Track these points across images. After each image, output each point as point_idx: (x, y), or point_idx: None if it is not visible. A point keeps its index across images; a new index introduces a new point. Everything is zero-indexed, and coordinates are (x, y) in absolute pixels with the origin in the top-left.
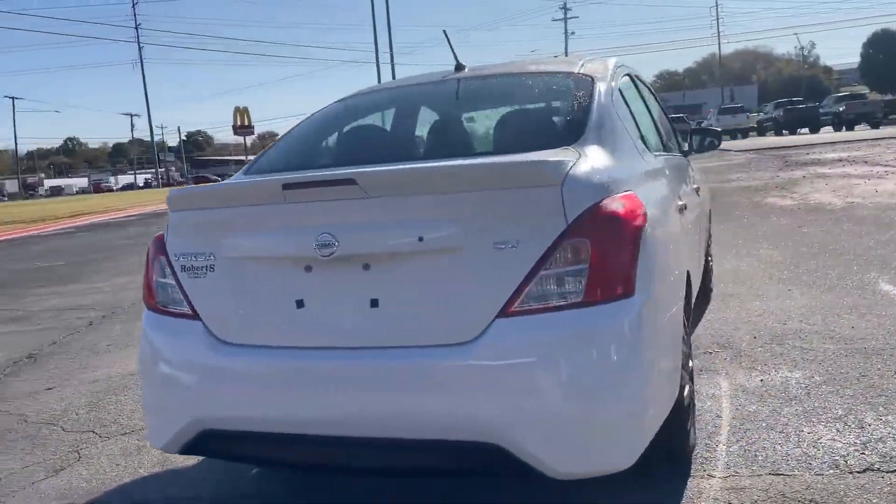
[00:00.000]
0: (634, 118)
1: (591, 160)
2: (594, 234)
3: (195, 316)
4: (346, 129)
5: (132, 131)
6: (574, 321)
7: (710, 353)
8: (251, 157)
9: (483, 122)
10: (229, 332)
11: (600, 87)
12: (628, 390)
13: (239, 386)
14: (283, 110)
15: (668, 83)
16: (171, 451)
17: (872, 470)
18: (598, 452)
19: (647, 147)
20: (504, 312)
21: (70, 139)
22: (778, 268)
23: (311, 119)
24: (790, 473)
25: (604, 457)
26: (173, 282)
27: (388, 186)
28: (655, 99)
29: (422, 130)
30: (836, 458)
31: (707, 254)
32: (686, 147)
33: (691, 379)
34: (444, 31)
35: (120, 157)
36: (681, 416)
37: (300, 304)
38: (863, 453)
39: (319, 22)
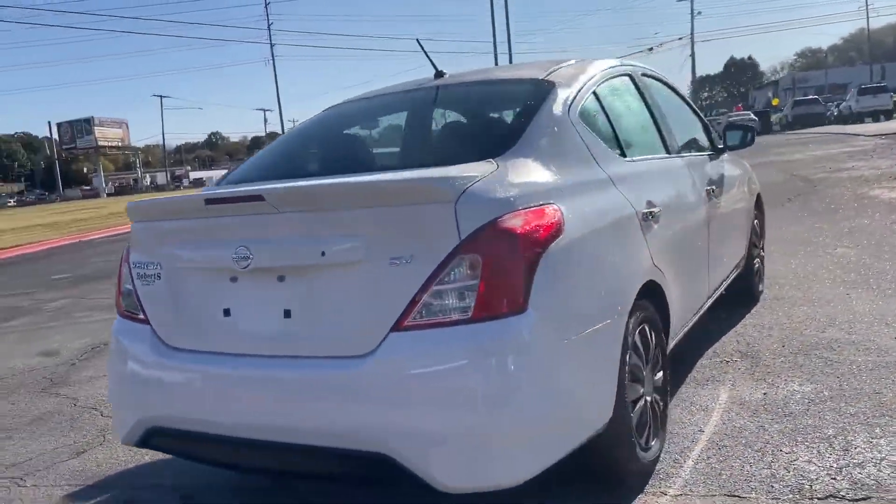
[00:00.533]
0: (613, 123)
1: (506, 174)
2: (486, 250)
3: (146, 321)
4: (307, 141)
5: (265, 125)
6: (461, 337)
7: (727, 361)
8: None
9: (424, 134)
10: (172, 337)
11: (557, 95)
12: (513, 408)
13: (176, 387)
14: None
15: (810, 62)
16: (129, 444)
17: (836, 497)
18: (482, 469)
19: (626, 152)
20: (398, 327)
21: (213, 134)
22: (846, 269)
23: (293, 129)
24: (745, 496)
25: (488, 473)
26: (132, 288)
27: (293, 203)
28: (682, 98)
29: (366, 144)
30: (803, 482)
31: (749, 255)
32: (721, 144)
33: (660, 391)
34: (418, 40)
35: (257, 149)
36: (622, 433)
37: (227, 312)
38: (834, 478)
39: (442, 14)
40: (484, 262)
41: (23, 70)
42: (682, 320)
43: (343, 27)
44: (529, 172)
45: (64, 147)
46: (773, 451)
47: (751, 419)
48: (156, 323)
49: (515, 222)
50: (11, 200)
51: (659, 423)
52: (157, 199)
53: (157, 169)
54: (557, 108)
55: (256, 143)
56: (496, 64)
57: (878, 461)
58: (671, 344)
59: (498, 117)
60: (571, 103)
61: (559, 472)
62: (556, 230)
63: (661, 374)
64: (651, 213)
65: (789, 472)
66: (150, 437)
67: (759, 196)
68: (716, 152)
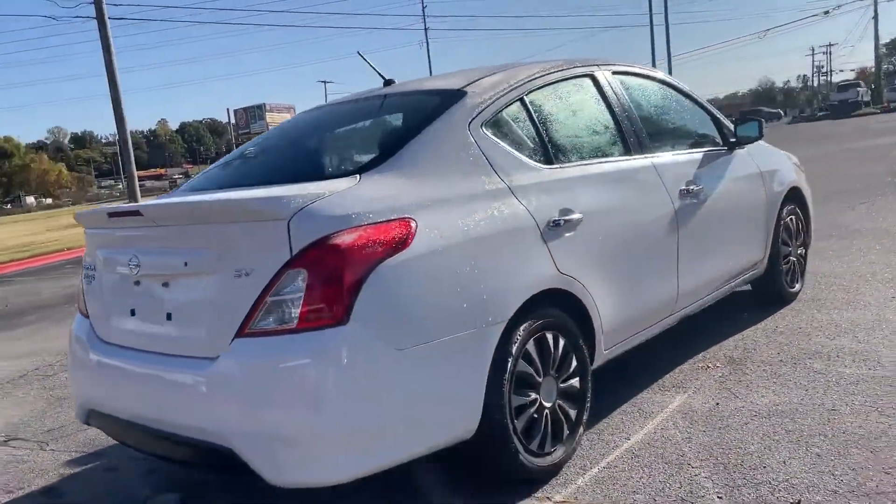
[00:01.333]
0: (541, 130)
1: (359, 191)
2: (310, 266)
3: (87, 316)
4: (252, 149)
5: None
6: (286, 346)
7: (708, 367)
8: None
9: (325, 147)
10: (102, 331)
11: (458, 107)
12: (331, 413)
13: (99, 375)
14: None
15: None
16: (80, 421)
17: None
18: (304, 466)
19: (555, 159)
20: (241, 333)
21: None
22: None
23: (258, 136)
24: None
25: (309, 471)
26: (81, 287)
27: (163, 218)
28: (680, 93)
29: (280, 156)
30: (690, 498)
31: (774, 255)
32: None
33: (573, 398)
34: (359, 52)
35: None
36: (497, 439)
37: (133, 312)
38: (721, 497)
39: None
40: (308, 276)
41: (206, 61)
42: (631, 326)
43: (495, 8)
44: (388, 188)
45: (240, 132)
46: (682, 464)
47: (683, 430)
48: (92, 318)
49: (343, 239)
50: None
51: (567, 429)
52: (92, 209)
53: None
54: (452, 121)
55: None
56: (652, 41)
57: (776, 483)
58: (615, 351)
59: (393, 131)
60: (477, 115)
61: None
62: (396, 245)
63: (575, 380)
64: (563, 220)
65: (682, 486)
66: (90, 418)
67: (797, 191)
68: (728, 147)
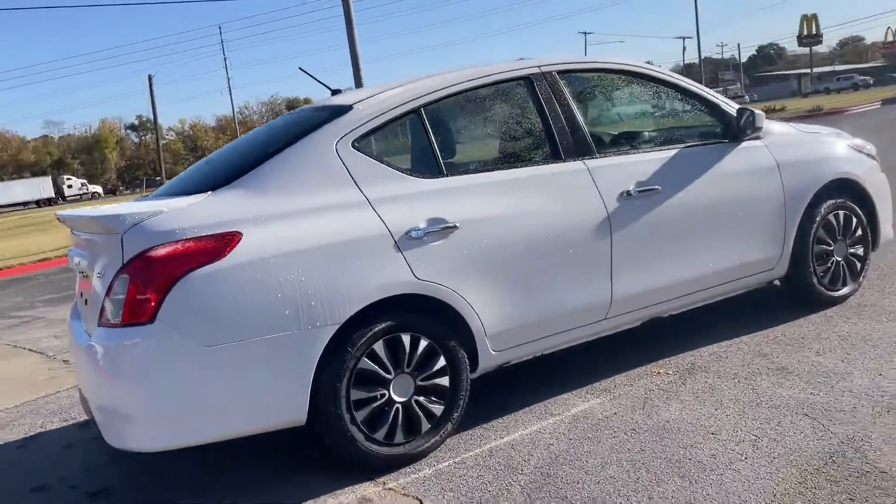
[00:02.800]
0: (435, 142)
1: (197, 207)
2: (132, 272)
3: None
4: (201, 162)
5: (683, 54)
6: (113, 337)
7: (657, 373)
8: (816, 70)
9: (215, 165)
10: (78, 315)
11: (333, 124)
12: (140, 395)
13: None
14: (859, 12)
15: None
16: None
17: None
18: (124, 434)
19: (447, 170)
20: (99, 322)
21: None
22: None
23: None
24: (423, 498)
25: (128, 439)
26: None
27: (72, 225)
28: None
29: (198, 169)
30: (490, 502)
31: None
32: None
33: (433, 393)
34: (301, 68)
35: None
36: (334, 426)
37: (86, 301)
38: None
39: None
40: (130, 281)
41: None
42: (535, 330)
43: None
44: (225, 204)
45: None
46: (520, 470)
47: (555, 436)
48: (77, 304)
49: (157, 252)
50: None
51: (427, 424)
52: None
53: None
54: (317, 139)
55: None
56: None
57: (576, 500)
58: (516, 353)
59: (265, 149)
60: (350, 132)
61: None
62: (211, 256)
63: (442, 379)
64: (429, 229)
65: (500, 491)
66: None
67: (849, 183)
68: (730, 139)
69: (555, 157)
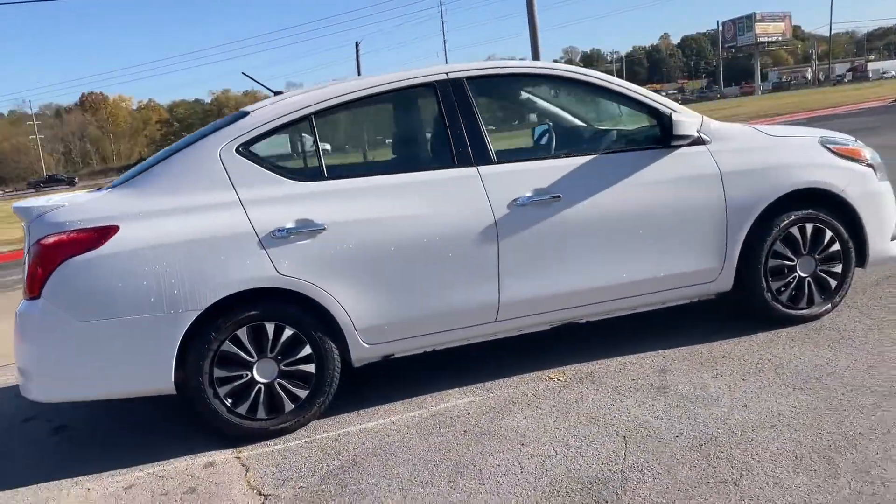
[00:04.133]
0: (318, 148)
1: (89, 202)
2: (31, 255)
3: None
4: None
5: None
6: (23, 307)
7: (548, 378)
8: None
9: (140, 165)
10: None
11: (224, 130)
12: (34, 355)
13: None
14: None
15: None
16: None
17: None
18: (28, 388)
19: (328, 174)
20: (24, 295)
21: None
22: None
23: None
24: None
25: (31, 391)
26: None
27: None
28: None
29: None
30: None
31: (747, 268)
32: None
33: (298, 377)
34: (244, 73)
35: None
36: (199, 397)
37: None
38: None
39: None
40: (29, 262)
41: None
42: (412, 328)
43: None
44: (113, 201)
45: (725, 45)
46: (334, 453)
47: (393, 429)
48: None
49: (47, 240)
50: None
51: (291, 404)
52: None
53: (841, 60)
54: (204, 145)
55: None
56: None
57: None
58: (393, 348)
59: (175, 150)
60: (236, 138)
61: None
62: (90, 245)
63: (307, 366)
64: (295, 230)
65: (305, 472)
66: None
67: (821, 194)
68: (663, 145)
69: (448, 163)
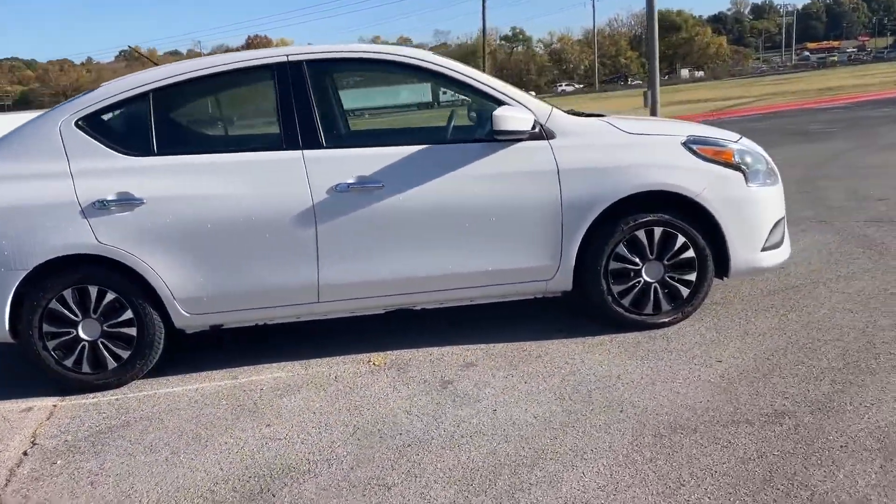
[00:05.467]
0: (150, 125)
1: None
2: None
3: None
4: None
5: None
6: None
7: (367, 362)
8: None
9: None
10: None
11: (69, 103)
12: None
13: None
14: None
15: None
16: None
17: None
18: None
19: (159, 150)
20: None
21: None
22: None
23: None
24: None
25: None
26: None
27: None
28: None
29: None
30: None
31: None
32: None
33: (125, 342)
34: (130, 47)
35: None
36: (26, 347)
37: None
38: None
39: None
40: None
41: None
42: (232, 302)
43: None
44: None
45: None
46: (116, 411)
47: (185, 396)
48: None
49: None
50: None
51: (114, 362)
52: None
53: None
54: (48, 117)
55: None
56: None
57: None
58: (213, 319)
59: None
60: (76, 112)
61: None
62: None
63: (129, 329)
64: (116, 202)
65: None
66: None
67: (680, 197)
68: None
69: (275, 145)
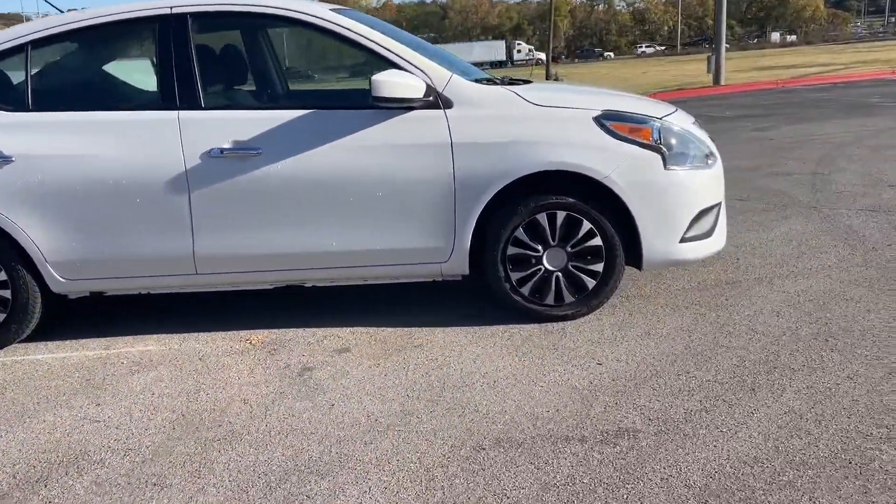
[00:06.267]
0: (27, 78)
1: None
2: None
3: None
4: None
5: None
6: None
7: (246, 341)
8: None
9: None
10: None
11: None
12: None
13: None
14: None
15: None
16: None
17: None
18: None
19: (27, 106)
20: None
21: None
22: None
23: None
24: None
25: None
26: None
27: None
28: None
29: None
30: None
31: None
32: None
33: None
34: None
35: None
36: None
37: None
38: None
39: None
40: None
41: None
42: (108, 269)
43: None
44: None
45: None
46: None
47: (47, 364)
48: None
49: None
50: None
51: None
52: None
53: None
54: None
55: None
56: None
57: None
58: (92, 286)
59: None
60: None
61: None
62: None
63: (5, 291)
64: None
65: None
66: None
67: (586, 179)
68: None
69: (154, 103)
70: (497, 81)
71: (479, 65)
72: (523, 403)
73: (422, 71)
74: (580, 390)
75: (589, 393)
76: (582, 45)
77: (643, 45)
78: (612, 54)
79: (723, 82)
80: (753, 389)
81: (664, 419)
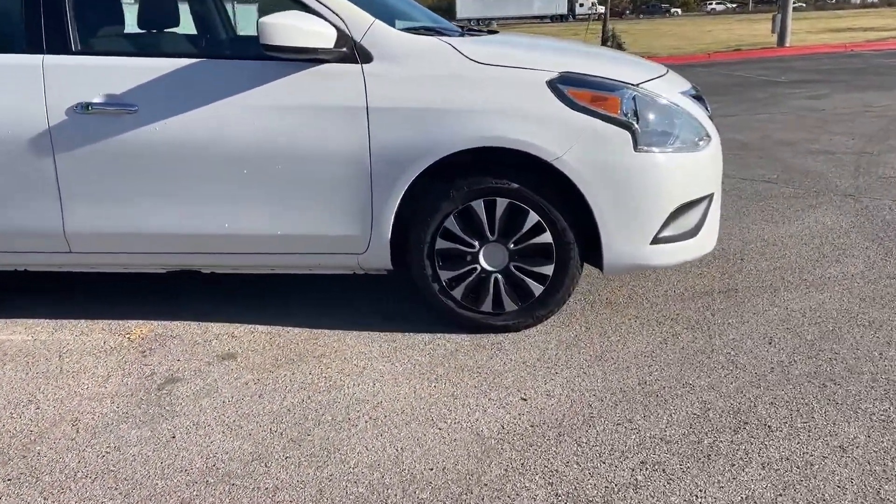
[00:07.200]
0: None
1: None
2: None
3: None
4: None
5: None
6: None
7: (130, 333)
8: None
9: None
10: None
11: None
12: None
13: None
14: None
15: None
16: None
17: None
18: None
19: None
20: None
21: None
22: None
23: None
24: None
25: None
26: None
27: None
28: None
29: None
30: None
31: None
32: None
33: None
34: None
35: None
36: None
37: None
38: None
39: None
40: None
41: None
42: None
43: None
44: None
45: None
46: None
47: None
48: None
49: None
50: None
51: None
52: None
53: None
54: None
55: None
56: None
57: None
58: None
59: None
60: None
61: None
62: None
63: None
64: None
65: None
66: None
67: (533, 159)
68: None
69: (19, 46)
70: (446, 32)
71: (539, 18)
72: (405, 455)
73: (334, 13)
74: (484, 439)
75: (494, 444)
76: (649, 0)
77: (713, 2)
78: (679, 10)
79: (787, 44)
80: (708, 456)
81: (574, 497)
